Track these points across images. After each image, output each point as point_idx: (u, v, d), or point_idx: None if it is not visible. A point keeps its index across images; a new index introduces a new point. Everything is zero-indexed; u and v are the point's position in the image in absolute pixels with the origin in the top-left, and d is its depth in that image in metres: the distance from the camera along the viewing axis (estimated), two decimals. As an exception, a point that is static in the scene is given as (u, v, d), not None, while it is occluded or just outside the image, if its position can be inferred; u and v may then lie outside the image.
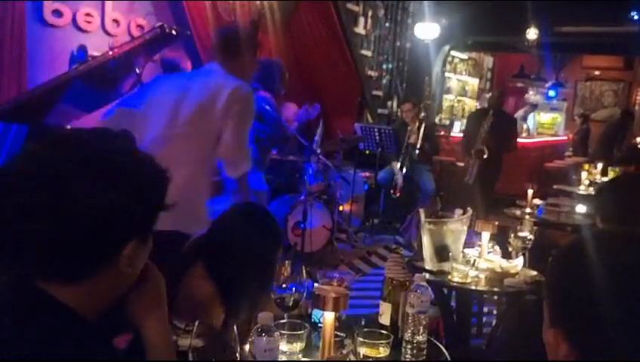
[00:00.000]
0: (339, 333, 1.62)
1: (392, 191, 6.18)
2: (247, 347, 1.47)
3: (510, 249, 2.76)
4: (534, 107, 11.42)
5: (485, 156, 5.98)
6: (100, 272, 0.91)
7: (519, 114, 10.64)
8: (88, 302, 0.91)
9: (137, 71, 3.34)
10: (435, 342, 1.81)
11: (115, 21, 5.05)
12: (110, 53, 3.42)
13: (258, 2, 5.91)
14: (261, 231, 1.73)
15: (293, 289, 1.71)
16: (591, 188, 5.17)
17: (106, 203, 0.86)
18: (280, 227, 1.92)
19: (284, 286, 1.75)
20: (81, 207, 0.85)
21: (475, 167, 6.09)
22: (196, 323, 1.31)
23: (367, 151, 6.51)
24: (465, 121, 7.54)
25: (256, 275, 1.70)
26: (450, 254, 2.51)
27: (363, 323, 1.82)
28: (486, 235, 2.68)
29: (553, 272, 0.79)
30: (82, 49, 4.69)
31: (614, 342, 0.67)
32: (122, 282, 0.97)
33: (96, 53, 4.40)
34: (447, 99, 11.25)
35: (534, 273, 2.63)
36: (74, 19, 4.74)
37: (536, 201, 4.19)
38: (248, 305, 1.68)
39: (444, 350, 1.78)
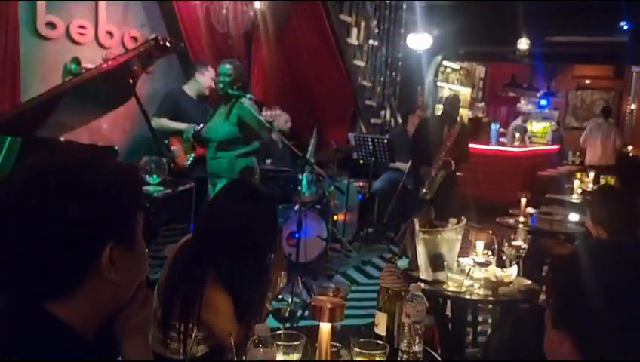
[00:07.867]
0: (335, 344, 1.62)
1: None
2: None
3: (504, 258, 2.76)
4: (528, 115, 11.48)
5: (453, 168, 5.53)
6: (85, 282, 0.89)
7: (517, 122, 10.65)
8: (82, 316, 0.90)
9: (131, 82, 3.35)
10: (431, 351, 1.81)
11: (109, 33, 5.05)
12: (104, 65, 3.43)
13: (251, 13, 5.93)
14: (257, 206, 1.90)
15: (290, 299, 1.71)
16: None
17: (65, 213, 0.86)
18: (272, 199, 2.11)
19: (279, 296, 1.75)
20: (41, 219, 0.85)
21: (438, 179, 5.56)
22: (194, 332, 1.31)
23: (362, 161, 6.53)
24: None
25: (261, 246, 1.87)
26: (445, 263, 2.51)
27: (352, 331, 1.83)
28: (480, 244, 2.68)
29: (558, 275, 0.83)
30: (75, 60, 4.70)
31: (616, 344, 0.69)
32: (113, 293, 0.95)
33: (89, 66, 4.40)
34: (440, 109, 11.29)
35: (528, 282, 2.64)
36: (67, 32, 4.75)
37: (530, 210, 4.21)
38: (257, 285, 1.80)
39: (439, 359, 1.79)
